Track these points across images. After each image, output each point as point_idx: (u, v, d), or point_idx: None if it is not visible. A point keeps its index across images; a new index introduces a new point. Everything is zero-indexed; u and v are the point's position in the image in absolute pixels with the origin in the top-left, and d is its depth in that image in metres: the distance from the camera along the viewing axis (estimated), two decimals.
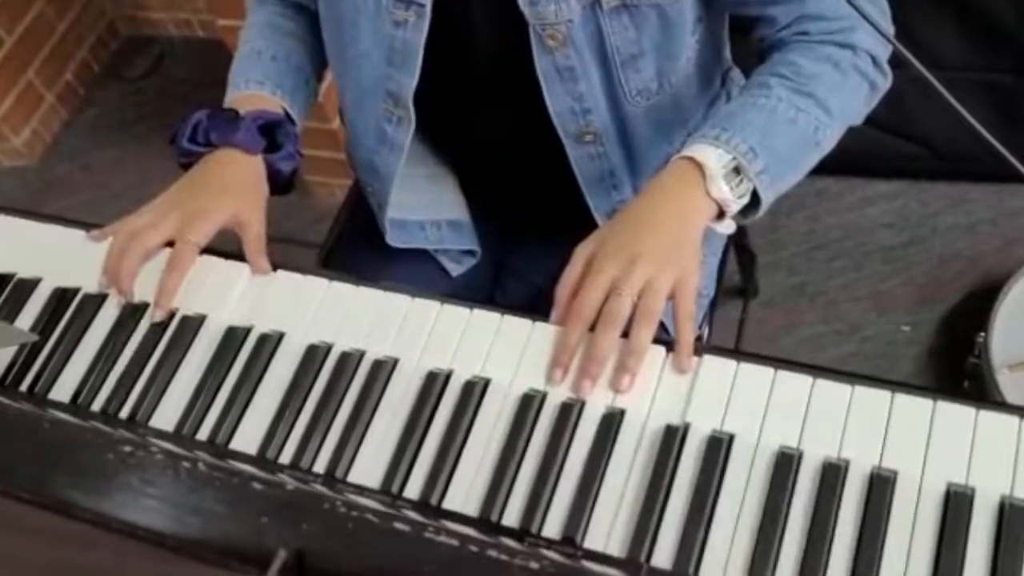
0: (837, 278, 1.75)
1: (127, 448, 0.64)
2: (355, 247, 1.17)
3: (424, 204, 1.09)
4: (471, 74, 0.95)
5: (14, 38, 2.21)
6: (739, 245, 1.47)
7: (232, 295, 0.88)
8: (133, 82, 2.43)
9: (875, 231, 1.81)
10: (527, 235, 1.14)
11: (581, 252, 0.81)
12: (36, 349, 0.88)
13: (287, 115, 0.99)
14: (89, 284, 0.91)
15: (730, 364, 0.75)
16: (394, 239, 1.07)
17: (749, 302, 1.59)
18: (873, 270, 1.75)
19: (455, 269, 1.12)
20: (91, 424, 0.71)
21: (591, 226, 0.99)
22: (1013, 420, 0.69)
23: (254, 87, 1.00)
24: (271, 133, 0.96)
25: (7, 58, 2.20)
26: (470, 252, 1.11)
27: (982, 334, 1.45)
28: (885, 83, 0.91)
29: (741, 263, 1.58)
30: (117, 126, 2.36)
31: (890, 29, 0.89)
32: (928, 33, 1.62)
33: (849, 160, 1.76)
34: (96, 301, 0.90)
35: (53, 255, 0.95)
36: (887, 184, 1.86)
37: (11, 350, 0.87)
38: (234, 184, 0.94)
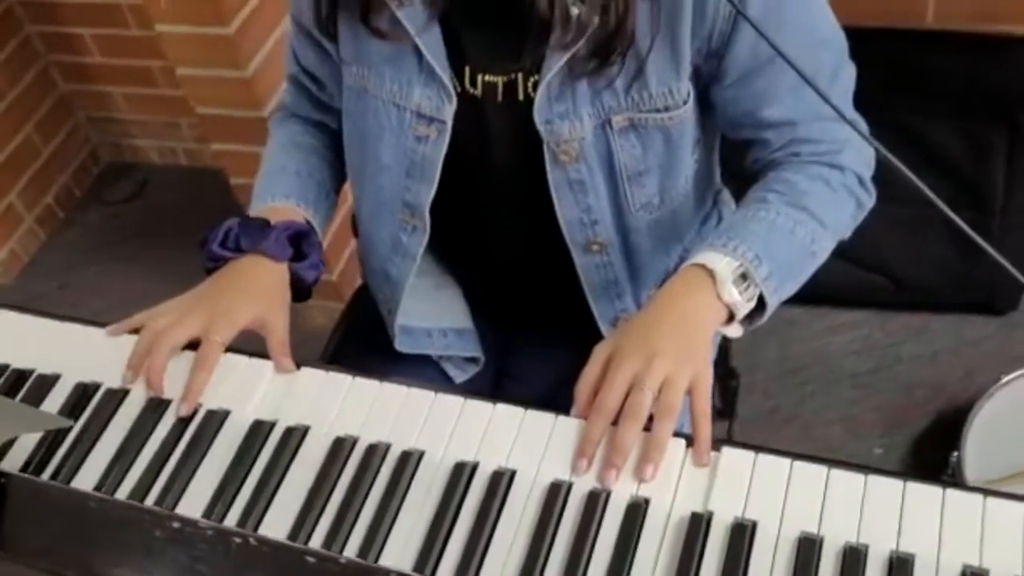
0: (809, 402, 1.81)
1: (176, 524, 0.65)
2: (358, 353, 1.19)
3: (431, 312, 1.13)
4: (485, 185, 1.01)
5: (0, 159, 2.26)
6: (723, 366, 1.52)
7: (256, 391, 0.90)
8: (114, 206, 2.47)
9: (843, 358, 1.88)
10: (529, 342, 1.18)
11: (600, 352, 0.85)
12: (58, 440, 0.88)
13: (311, 226, 1.04)
14: (110, 380, 0.93)
15: (748, 455, 0.79)
16: (402, 345, 1.11)
17: (734, 423, 1.63)
18: (843, 395, 1.82)
19: (458, 376, 1.15)
20: (135, 503, 0.71)
21: (593, 333, 1.05)
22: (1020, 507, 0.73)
23: (280, 200, 1.04)
24: (297, 243, 1.00)
25: None
26: (473, 359, 1.15)
27: (955, 453, 1.50)
28: (870, 201, 0.99)
29: (724, 385, 1.62)
30: (97, 247, 2.38)
31: (871, 152, 0.98)
32: (891, 170, 1.73)
33: (817, 290, 1.82)
34: (118, 396, 0.91)
35: (71, 352, 0.96)
36: (852, 313, 1.94)
37: (34, 439, 0.87)
38: (260, 288, 0.97)
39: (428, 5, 0.89)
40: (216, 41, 1.57)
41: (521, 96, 0.91)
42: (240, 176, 1.83)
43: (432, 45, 0.90)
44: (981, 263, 1.83)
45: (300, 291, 1.02)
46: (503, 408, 0.85)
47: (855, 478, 0.77)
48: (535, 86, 0.90)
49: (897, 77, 1.71)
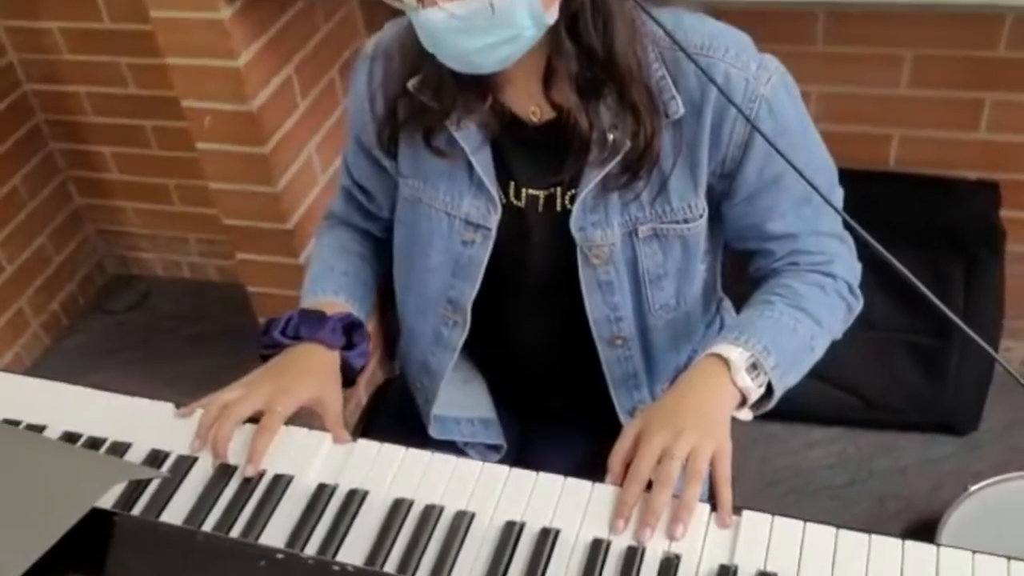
0: (790, 512, 1.89)
1: (279, 555, 0.74)
2: (385, 438, 1.28)
3: (461, 403, 1.23)
4: (522, 284, 1.13)
5: (14, 267, 2.35)
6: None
7: (316, 459, 0.99)
8: (117, 315, 2.56)
9: (819, 471, 2.00)
10: (547, 432, 1.28)
11: (631, 428, 0.96)
12: (132, 499, 0.96)
13: (360, 320, 1.15)
14: (179, 449, 1.01)
15: (767, 518, 0.90)
16: (435, 431, 1.21)
17: None
18: (821, 505, 1.92)
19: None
20: (242, 540, 0.79)
21: (609, 424, 1.15)
22: None
23: (330, 296, 1.16)
24: (349, 333, 1.11)
25: (4, 284, 2.33)
26: (496, 447, 1.25)
27: None
28: (858, 306, 1.13)
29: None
30: (99, 354, 2.45)
31: (858, 265, 1.13)
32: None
33: (795, 408, 1.98)
34: (188, 462, 1.00)
35: (140, 425, 1.05)
36: (826, 430, 2.07)
37: (109, 499, 0.95)
38: (315, 370, 1.07)
39: (482, 128, 1.03)
40: (253, 159, 1.71)
41: (559, 207, 1.05)
42: (259, 285, 1.94)
43: (483, 163, 1.05)
44: (944, 387, 1.99)
45: (347, 377, 1.12)
46: (545, 476, 0.95)
47: (860, 537, 0.88)
48: (572, 199, 1.04)
49: (863, 212, 1.89)
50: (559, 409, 1.26)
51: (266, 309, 1.97)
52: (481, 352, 1.23)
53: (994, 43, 1.72)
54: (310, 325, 1.09)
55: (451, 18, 0.87)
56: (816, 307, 1.07)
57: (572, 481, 0.95)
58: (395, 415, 1.29)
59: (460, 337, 1.14)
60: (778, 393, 1.02)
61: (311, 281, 1.20)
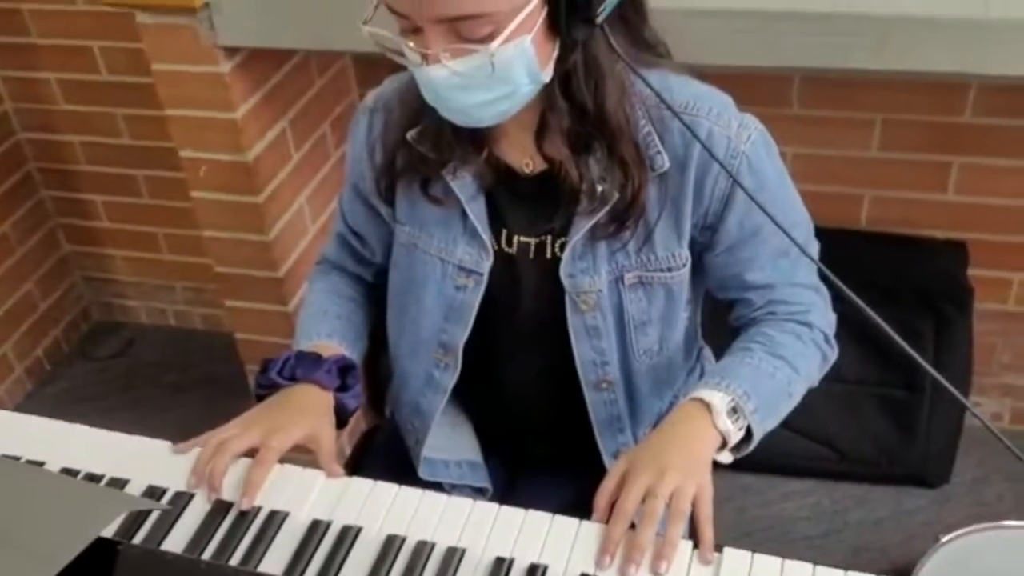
0: None
1: None
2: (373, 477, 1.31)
3: (447, 446, 1.27)
4: (512, 328, 1.17)
5: (0, 312, 2.37)
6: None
7: (311, 496, 1.02)
8: (100, 361, 2.57)
9: (795, 522, 2.03)
10: (533, 476, 1.31)
11: (616, 468, 1.00)
12: (129, 535, 0.98)
13: (353, 362, 1.19)
14: (175, 486, 1.04)
15: (747, 554, 0.94)
16: (424, 473, 1.24)
17: None
18: (797, 556, 1.92)
19: None
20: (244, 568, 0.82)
21: (591, 468, 1.19)
22: None
23: (324, 339, 1.19)
24: (343, 375, 1.15)
25: None
26: (482, 490, 1.28)
27: None
28: (833, 355, 1.18)
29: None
30: (80, 400, 2.46)
31: (833, 315, 1.18)
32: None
33: (769, 459, 2.02)
34: (184, 498, 1.03)
35: (137, 462, 1.08)
36: (801, 482, 2.11)
37: (111, 530, 0.97)
38: (310, 409, 1.11)
39: (477, 178, 1.09)
40: (247, 208, 1.75)
41: (549, 254, 1.10)
42: (247, 332, 1.97)
43: (477, 211, 1.10)
44: (915, 440, 2.04)
45: (340, 418, 1.16)
46: (533, 514, 0.99)
47: (836, 573, 0.92)
48: (562, 247, 1.09)
49: (835, 269, 1.96)
50: (544, 454, 1.29)
51: (254, 356, 2.00)
52: (470, 394, 1.26)
53: (960, 109, 1.81)
54: (306, 366, 1.13)
55: (453, 75, 0.92)
56: (793, 355, 1.12)
57: (559, 518, 0.98)
58: (382, 461, 1.31)
59: (451, 379, 1.18)
60: (757, 437, 1.07)
61: (305, 323, 1.23)
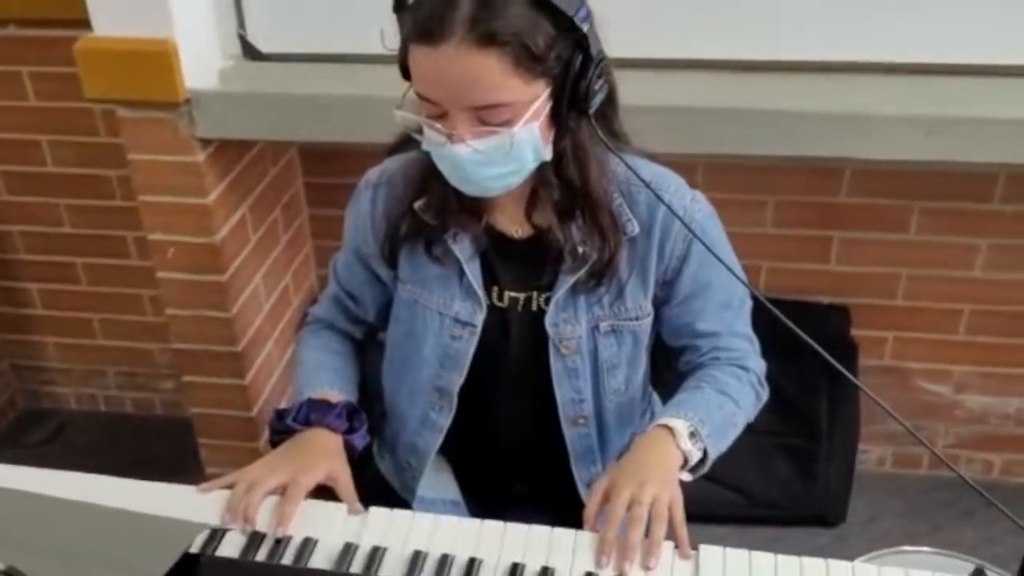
0: None
1: None
2: None
3: (433, 486, 1.42)
4: (501, 372, 1.33)
5: None
6: None
7: (336, 526, 1.16)
8: (32, 448, 2.58)
9: None
10: (509, 513, 1.45)
11: (599, 485, 1.17)
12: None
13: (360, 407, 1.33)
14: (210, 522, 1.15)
15: (719, 548, 1.13)
16: (417, 510, 1.37)
17: None
18: None
19: None
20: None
21: (565, 503, 1.35)
22: None
23: (326, 388, 1.33)
24: (350, 419, 1.29)
25: None
26: None
27: None
28: (765, 394, 1.39)
29: None
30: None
31: (764, 362, 1.40)
32: None
33: (689, 508, 2.21)
34: (220, 534, 1.14)
35: (161, 505, 1.17)
36: (718, 529, 2.31)
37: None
38: (327, 451, 1.24)
39: (473, 242, 1.27)
40: (211, 287, 1.87)
41: (535, 307, 1.29)
42: (203, 407, 2.06)
43: (474, 271, 1.27)
44: (815, 484, 2.29)
45: (348, 458, 1.29)
46: (536, 527, 1.15)
47: (791, 560, 1.12)
48: (547, 300, 1.27)
49: None
50: (521, 492, 1.45)
51: (209, 431, 2.09)
52: (458, 434, 1.40)
53: (837, 190, 2.11)
54: (319, 411, 1.27)
55: (474, 152, 1.11)
56: (735, 392, 1.33)
57: (558, 530, 1.14)
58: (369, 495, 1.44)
59: (447, 420, 1.34)
60: (711, 458, 1.26)
61: (305, 376, 1.37)
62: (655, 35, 1.68)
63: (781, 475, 2.28)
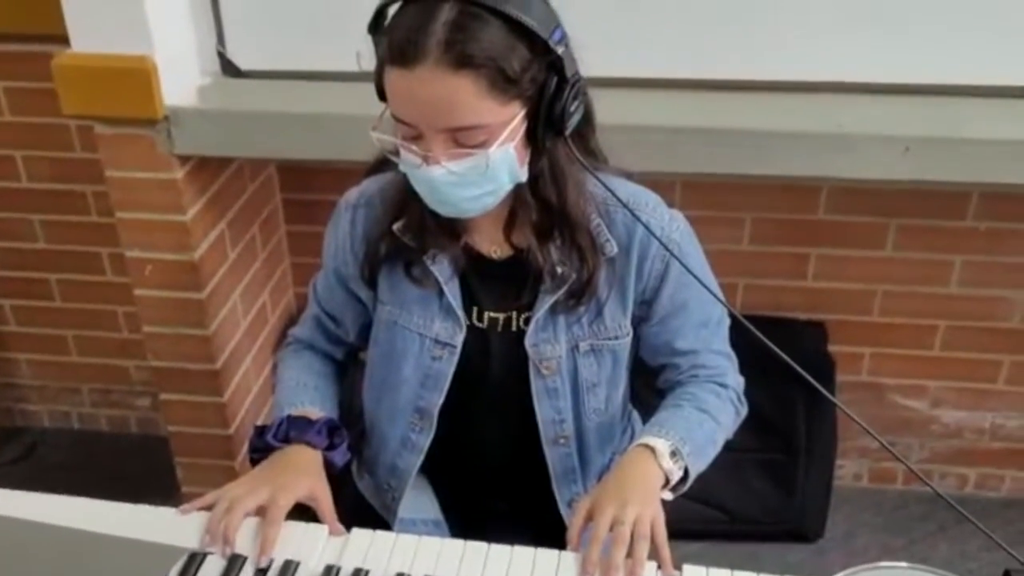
0: None
1: None
2: None
3: (413, 506, 1.41)
4: (481, 392, 1.33)
5: None
6: None
7: (318, 547, 1.15)
8: (4, 466, 2.55)
9: None
10: (488, 531, 1.45)
11: (582, 505, 1.17)
12: None
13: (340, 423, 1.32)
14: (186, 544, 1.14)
15: (702, 568, 1.13)
16: (398, 531, 1.37)
17: None
18: None
19: None
20: None
21: (545, 523, 1.35)
22: None
23: (307, 406, 1.33)
24: (331, 435, 1.28)
25: None
26: None
27: None
28: (744, 410, 1.40)
29: None
30: None
31: (742, 379, 1.41)
32: None
33: (667, 525, 2.22)
34: (200, 558, 1.13)
35: (141, 526, 1.16)
36: (696, 545, 2.31)
37: None
38: (306, 469, 1.23)
39: (452, 263, 1.27)
40: (190, 304, 1.86)
41: (514, 327, 1.29)
42: (180, 425, 2.04)
43: (453, 291, 1.27)
44: (793, 499, 2.30)
45: (329, 475, 1.28)
46: (519, 548, 1.14)
47: None
48: (526, 320, 1.28)
49: None
50: (502, 510, 1.44)
51: (186, 449, 2.07)
52: (439, 454, 1.40)
53: (815, 208, 2.13)
54: (298, 428, 1.26)
55: (449, 174, 1.11)
56: (715, 410, 1.33)
57: (542, 550, 1.14)
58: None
59: (427, 440, 1.33)
60: (692, 476, 1.27)
61: (285, 394, 1.36)
62: (632, 54, 1.69)
63: (759, 491, 2.29)
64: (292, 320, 2.34)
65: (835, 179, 1.76)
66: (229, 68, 1.79)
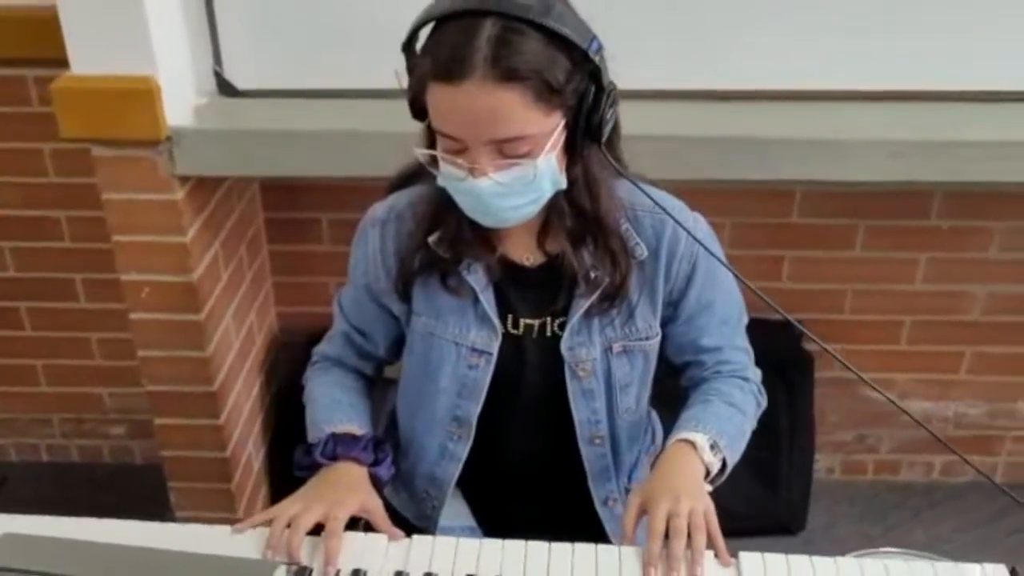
0: None
1: None
2: None
3: (448, 514, 1.43)
4: (518, 398, 1.36)
5: None
6: None
7: (381, 555, 1.16)
8: None
9: None
10: (521, 534, 1.48)
11: (633, 500, 1.21)
12: None
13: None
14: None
15: (758, 555, 1.18)
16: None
17: None
18: None
19: None
20: None
21: (582, 519, 1.39)
22: None
23: (345, 423, 1.34)
24: (375, 451, 1.29)
25: None
26: None
27: None
28: (764, 401, 1.45)
29: None
30: None
31: (759, 371, 1.47)
32: None
33: None
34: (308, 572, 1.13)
35: (199, 547, 1.16)
36: None
37: None
38: (356, 484, 1.25)
39: (487, 272, 1.29)
40: (188, 326, 1.84)
41: (549, 333, 1.32)
42: (176, 449, 2.01)
43: (488, 300, 1.30)
44: (777, 493, 2.37)
45: (375, 489, 1.29)
46: (580, 546, 1.17)
47: (827, 561, 1.17)
48: (560, 325, 1.31)
49: None
50: (532, 516, 1.46)
51: (181, 473, 2.04)
52: (475, 459, 1.42)
53: (789, 212, 2.22)
54: (345, 445, 1.27)
55: (496, 184, 1.13)
56: (741, 403, 1.39)
57: (580, 546, 1.17)
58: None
59: (465, 449, 1.35)
60: (730, 467, 1.32)
61: (322, 412, 1.36)
62: (642, 67, 1.75)
63: (745, 487, 2.35)
64: (275, 340, 2.33)
65: (827, 183, 1.83)
66: (226, 88, 1.78)
